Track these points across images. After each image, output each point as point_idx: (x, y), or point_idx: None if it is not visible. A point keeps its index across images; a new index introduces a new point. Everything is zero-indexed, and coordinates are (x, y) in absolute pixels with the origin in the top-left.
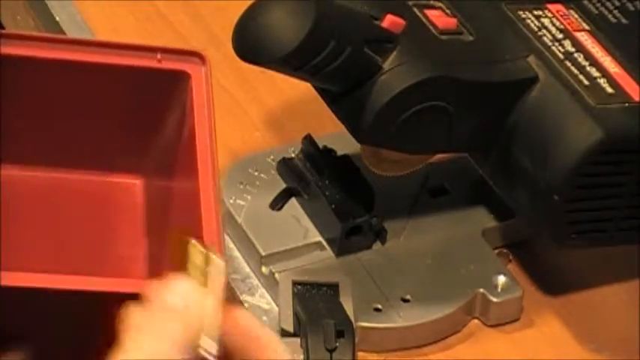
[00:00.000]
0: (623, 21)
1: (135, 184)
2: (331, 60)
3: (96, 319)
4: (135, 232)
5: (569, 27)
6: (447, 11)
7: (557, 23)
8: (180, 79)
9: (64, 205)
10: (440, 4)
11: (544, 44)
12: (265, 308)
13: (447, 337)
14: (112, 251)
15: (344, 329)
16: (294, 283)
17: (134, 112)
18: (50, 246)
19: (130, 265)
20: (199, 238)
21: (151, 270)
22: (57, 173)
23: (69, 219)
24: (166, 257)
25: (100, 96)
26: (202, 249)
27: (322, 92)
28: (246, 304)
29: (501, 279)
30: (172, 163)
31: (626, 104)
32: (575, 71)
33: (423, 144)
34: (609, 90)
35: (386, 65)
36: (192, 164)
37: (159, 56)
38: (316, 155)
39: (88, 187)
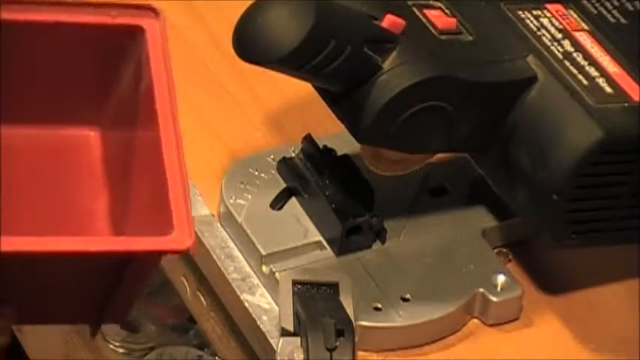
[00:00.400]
0: (622, 21)
1: (90, 135)
2: (331, 60)
3: (68, 274)
4: (95, 184)
5: (568, 27)
6: (447, 11)
7: (557, 23)
8: (134, 33)
9: (21, 161)
10: (439, 4)
11: (543, 44)
12: (265, 307)
13: (446, 337)
14: (74, 205)
15: (344, 328)
16: (295, 283)
17: (89, 66)
18: (10, 202)
19: (92, 219)
20: (164, 189)
21: (114, 223)
22: (11, 129)
23: (27, 174)
24: (129, 208)
25: (53, 52)
26: None
27: (322, 92)
28: (246, 304)
29: (501, 278)
30: (130, 115)
31: (626, 104)
32: (575, 71)
33: (422, 144)
34: (608, 90)
35: (386, 65)
36: (151, 116)
37: (113, 12)
38: (316, 155)
39: (44, 142)
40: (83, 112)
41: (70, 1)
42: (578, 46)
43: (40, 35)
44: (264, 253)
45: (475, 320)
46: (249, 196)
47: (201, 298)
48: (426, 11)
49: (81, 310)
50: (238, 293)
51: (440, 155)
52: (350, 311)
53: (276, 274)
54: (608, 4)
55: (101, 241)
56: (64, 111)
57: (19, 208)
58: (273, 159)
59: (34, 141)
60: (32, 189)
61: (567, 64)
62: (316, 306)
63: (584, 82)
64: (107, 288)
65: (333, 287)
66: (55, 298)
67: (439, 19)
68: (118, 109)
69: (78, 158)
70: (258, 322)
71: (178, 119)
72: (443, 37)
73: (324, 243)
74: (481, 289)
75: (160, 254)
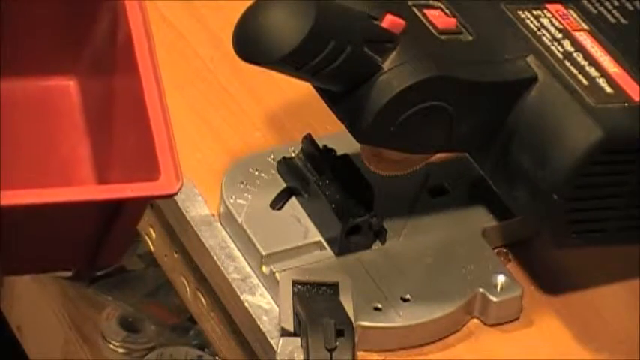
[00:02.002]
0: (622, 21)
1: (69, 85)
2: (331, 60)
3: (57, 224)
4: (76, 133)
5: (568, 27)
6: (447, 11)
7: (557, 23)
8: None
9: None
10: (439, 4)
11: (543, 44)
12: (265, 308)
13: (446, 337)
14: (56, 154)
15: (344, 328)
16: (295, 283)
17: (63, 17)
18: None
19: (76, 166)
20: (149, 135)
21: (98, 170)
22: None
23: (7, 126)
24: (112, 155)
25: (26, 4)
26: None
27: (322, 92)
28: (246, 304)
29: (501, 278)
30: (108, 64)
31: (626, 104)
32: (575, 71)
33: (422, 144)
34: (608, 90)
35: (386, 65)
36: (131, 65)
37: None
38: (316, 155)
39: (22, 93)
40: (60, 63)
41: None
42: (578, 46)
43: None
44: (264, 253)
45: (475, 320)
46: (249, 196)
47: (201, 298)
48: (426, 11)
49: (72, 257)
50: (238, 293)
51: (440, 155)
52: (350, 311)
53: (276, 274)
54: (608, 4)
55: (91, 190)
56: (41, 62)
57: (2, 160)
58: (273, 159)
59: (13, 93)
60: (13, 140)
61: (567, 64)
62: (316, 306)
63: (584, 82)
64: (97, 234)
65: (333, 287)
66: (45, 247)
67: (439, 19)
68: (95, 59)
69: (58, 108)
70: (258, 322)
71: (159, 67)
72: (443, 37)
73: (324, 243)
74: (481, 289)
75: (149, 200)
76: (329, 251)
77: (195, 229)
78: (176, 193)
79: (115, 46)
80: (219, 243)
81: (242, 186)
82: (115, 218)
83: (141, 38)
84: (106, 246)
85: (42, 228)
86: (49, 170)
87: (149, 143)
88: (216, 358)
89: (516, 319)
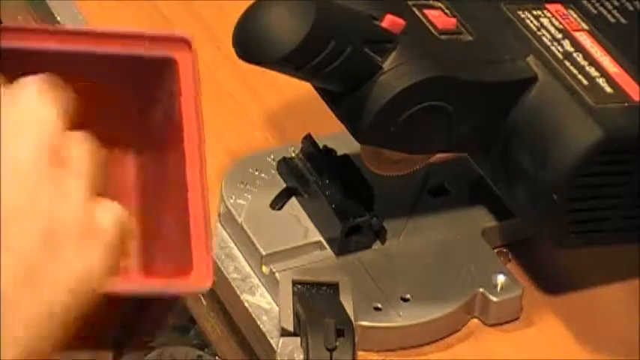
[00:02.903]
0: (622, 21)
1: (126, 158)
2: (331, 60)
3: None
4: (127, 209)
5: (568, 27)
6: (447, 11)
7: (557, 23)
8: (166, 65)
9: None
10: (439, 4)
11: (543, 44)
12: (265, 308)
13: (446, 337)
14: None
15: (344, 328)
16: (295, 283)
17: (122, 98)
18: None
19: None
20: (187, 225)
21: (143, 249)
22: None
23: None
24: (155, 236)
25: (87, 84)
26: None
27: (322, 92)
28: (246, 304)
29: (501, 278)
30: (161, 146)
31: (626, 104)
32: (575, 71)
33: (422, 144)
34: (608, 90)
35: (386, 65)
36: (179, 150)
37: (146, 43)
38: (316, 155)
39: None
40: (121, 135)
41: (102, 32)
42: (578, 46)
43: (73, 64)
44: (264, 253)
45: (475, 320)
46: (249, 196)
47: (201, 298)
48: (426, 11)
49: (100, 346)
50: (238, 293)
51: (440, 155)
52: (350, 311)
53: (276, 274)
54: (608, 4)
55: (115, 282)
56: (102, 134)
57: None
58: (273, 159)
59: None
60: None
61: (567, 64)
62: (316, 306)
63: (584, 82)
64: (124, 326)
65: (333, 287)
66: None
67: (439, 19)
68: (151, 139)
69: (113, 182)
70: (258, 322)
71: (205, 156)
72: (443, 37)
73: (324, 243)
74: (481, 289)
75: (178, 296)
76: (329, 251)
77: None
78: (205, 290)
79: (168, 129)
80: (219, 243)
81: (242, 186)
82: (144, 308)
83: (191, 125)
84: (135, 335)
85: None
86: None
87: (187, 235)
88: (216, 358)
89: (516, 319)
